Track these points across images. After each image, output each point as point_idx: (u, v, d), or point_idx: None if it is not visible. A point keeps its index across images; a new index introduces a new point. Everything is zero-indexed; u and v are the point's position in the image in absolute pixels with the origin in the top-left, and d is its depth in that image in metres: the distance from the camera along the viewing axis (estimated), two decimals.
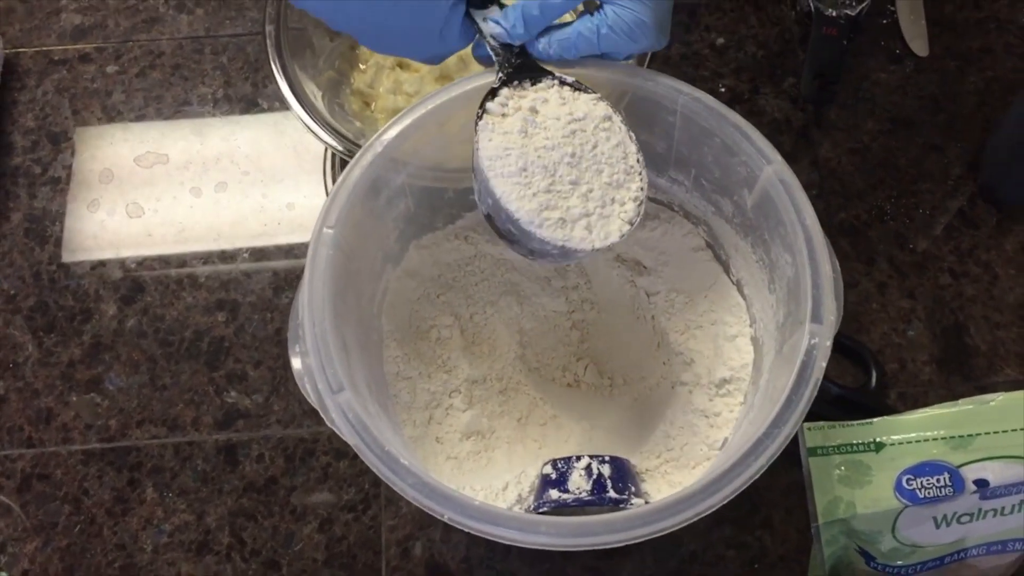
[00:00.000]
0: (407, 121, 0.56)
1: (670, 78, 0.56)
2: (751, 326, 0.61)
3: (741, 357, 0.60)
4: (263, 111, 0.78)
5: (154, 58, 0.80)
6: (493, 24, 0.54)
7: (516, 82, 0.54)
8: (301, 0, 0.55)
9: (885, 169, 0.74)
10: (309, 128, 0.67)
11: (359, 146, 0.66)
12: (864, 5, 0.75)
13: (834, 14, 0.75)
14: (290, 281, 0.72)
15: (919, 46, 0.74)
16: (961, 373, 0.68)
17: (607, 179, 0.52)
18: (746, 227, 0.58)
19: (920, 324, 0.69)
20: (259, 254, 0.73)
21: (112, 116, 0.78)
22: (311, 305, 0.51)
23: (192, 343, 0.71)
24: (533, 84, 0.54)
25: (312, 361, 0.50)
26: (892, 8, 0.79)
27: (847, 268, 0.71)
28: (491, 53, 0.54)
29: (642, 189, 0.52)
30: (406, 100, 0.74)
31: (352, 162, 0.55)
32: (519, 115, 0.53)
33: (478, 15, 0.54)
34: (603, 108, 0.53)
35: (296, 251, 0.73)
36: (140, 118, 0.78)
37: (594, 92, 0.53)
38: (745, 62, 0.78)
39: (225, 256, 0.73)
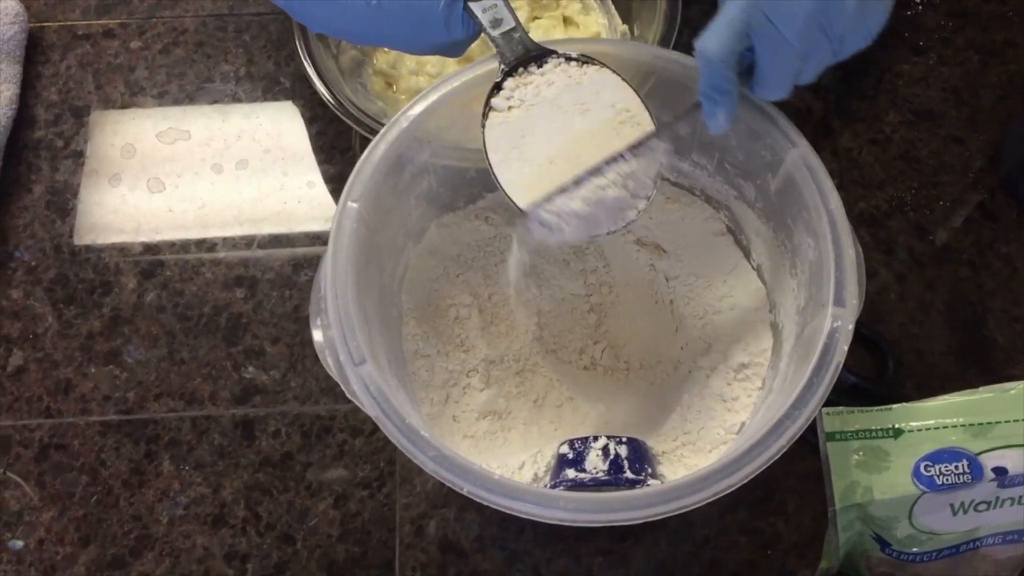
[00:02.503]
0: (432, 98, 0.56)
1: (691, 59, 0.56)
2: (771, 311, 0.61)
3: (760, 342, 0.60)
4: (285, 89, 0.78)
5: (177, 35, 0.81)
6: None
7: (521, 69, 0.54)
8: (320, 24, 0.56)
9: (906, 160, 0.74)
10: (331, 107, 0.67)
11: (381, 125, 0.66)
12: None
13: None
14: (309, 259, 0.73)
15: None
16: (979, 365, 0.68)
17: (618, 157, 0.51)
18: (768, 212, 0.58)
19: (939, 315, 0.69)
20: (278, 231, 0.73)
21: (135, 92, 0.79)
22: (334, 278, 0.52)
23: (211, 318, 0.71)
24: (539, 67, 0.54)
25: (334, 333, 0.50)
26: (917, 0, 0.79)
27: (867, 258, 0.70)
28: (492, 44, 0.54)
29: (659, 164, 0.51)
30: (428, 80, 0.74)
31: (377, 137, 0.55)
32: (524, 107, 0.53)
33: (476, 7, 0.54)
34: (612, 78, 0.53)
35: (315, 229, 0.73)
36: (162, 94, 0.79)
37: (599, 63, 0.53)
38: None
39: (244, 233, 0.73)
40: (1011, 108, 0.75)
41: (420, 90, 0.74)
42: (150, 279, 0.72)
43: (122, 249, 0.73)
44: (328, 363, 0.52)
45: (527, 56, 0.53)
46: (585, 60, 0.53)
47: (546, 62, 0.53)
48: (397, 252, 0.61)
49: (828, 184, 0.52)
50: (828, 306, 0.49)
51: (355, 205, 0.53)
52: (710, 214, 0.64)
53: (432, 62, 0.74)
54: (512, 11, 0.54)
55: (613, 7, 0.76)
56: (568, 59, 0.53)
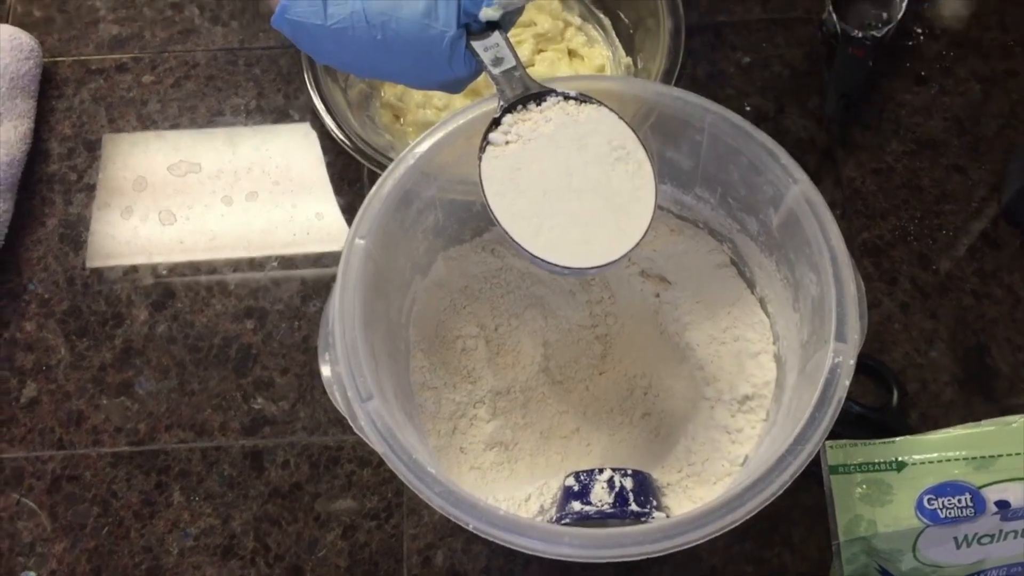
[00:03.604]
0: (439, 135, 0.57)
1: (697, 96, 0.57)
2: (774, 343, 0.61)
3: (764, 374, 0.61)
4: (294, 122, 0.80)
5: (189, 69, 0.82)
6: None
7: (520, 106, 0.55)
8: (325, 57, 0.57)
9: (909, 190, 0.75)
10: (339, 140, 0.69)
11: (388, 159, 0.68)
12: (890, 27, 0.76)
13: (860, 35, 0.76)
14: (318, 290, 0.73)
15: None
16: (983, 394, 0.68)
17: (614, 193, 0.52)
18: (771, 245, 0.59)
19: (942, 345, 0.70)
20: (288, 263, 0.74)
21: (147, 125, 0.80)
22: (342, 313, 0.52)
23: (221, 350, 0.72)
24: (538, 104, 0.55)
25: (342, 369, 0.51)
26: (918, 30, 0.80)
27: (870, 288, 0.71)
28: (492, 82, 0.55)
29: (651, 200, 0.52)
30: (436, 114, 0.75)
31: (385, 173, 0.56)
32: (521, 142, 0.54)
33: (478, 45, 0.55)
34: (609, 116, 0.54)
35: (324, 261, 0.74)
36: (174, 127, 0.80)
37: (598, 101, 0.54)
38: (771, 81, 0.79)
39: (254, 264, 0.74)
40: (1013, 137, 0.76)
41: (427, 123, 0.75)
42: (161, 311, 0.73)
43: (134, 281, 0.74)
44: (336, 398, 0.53)
45: (527, 94, 0.54)
46: (583, 99, 0.54)
47: (545, 100, 0.54)
48: (404, 286, 0.62)
49: (829, 220, 0.53)
50: (830, 342, 0.50)
51: (362, 242, 0.54)
52: (713, 246, 0.64)
53: (439, 95, 0.75)
54: (513, 50, 0.55)
55: (617, 40, 0.77)
56: (567, 97, 0.54)
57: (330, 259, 0.74)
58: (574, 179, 0.52)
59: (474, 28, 0.56)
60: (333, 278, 0.73)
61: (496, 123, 0.54)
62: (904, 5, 0.76)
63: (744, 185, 0.57)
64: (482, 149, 0.53)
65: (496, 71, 0.54)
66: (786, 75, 0.79)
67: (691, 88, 0.77)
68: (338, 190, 0.77)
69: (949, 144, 0.76)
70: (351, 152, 0.69)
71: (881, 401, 0.67)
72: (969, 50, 0.79)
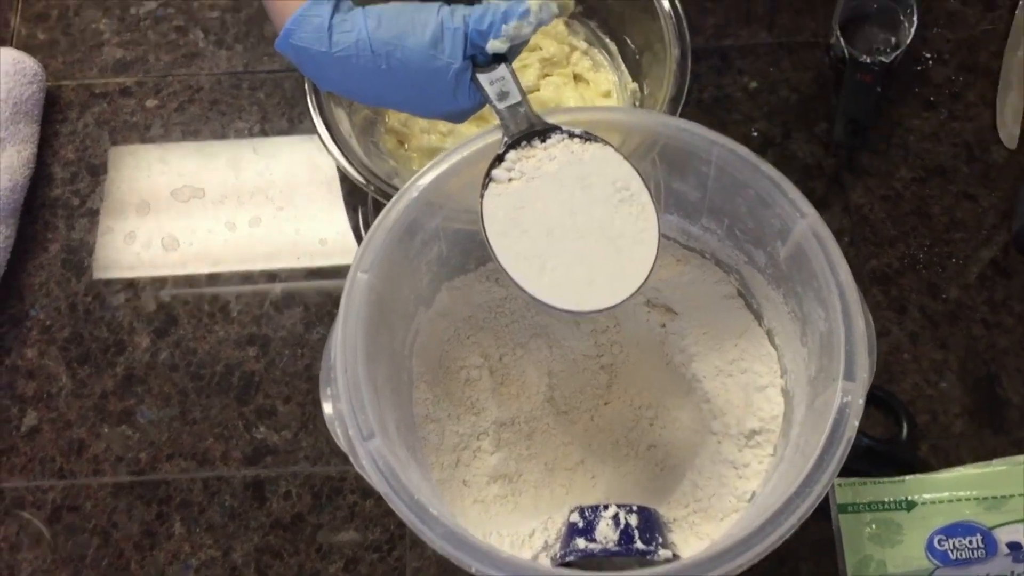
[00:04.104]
0: (443, 167, 0.56)
1: (704, 128, 0.56)
2: (782, 377, 0.60)
3: (771, 408, 0.60)
4: (298, 147, 0.79)
5: (193, 93, 0.82)
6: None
7: (524, 142, 0.54)
8: (329, 84, 0.57)
9: (918, 217, 0.74)
10: (342, 167, 0.68)
11: (392, 186, 0.67)
12: (899, 52, 0.75)
13: (868, 60, 0.75)
14: (321, 317, 0.73)
15: (1008, 137, 0.74)
16: (993, 426, 0.67)
17: (617, 235, 0.52)
18: (779, 278, 0.58)
19: (952, 375, 0.69)
20: (291, 290, 0.74)
21: (150, 149, 0.80)
22: (344, 349, 0.52)
23: (223, 377, 0.71)
24: (543, 141, 0.54)
25: (344, 407, 0.50)
26: (927, 55, 0.79)
27: (878, 317, 0.70)
28: (497, 117, 0.55)
29: (655, 243, 0.51)
30: (440, 139, 0.75)
31: (387, 207, 0.55)
32: (525, 179, 0.53)
33: (484, 78, 0.55)
34: (614, 156, 0.53)
35: (328, 287, 0.74)
36: (178, 152, 0.79)
37: (603, 141, 0.54)
38: (778, 106, 0.78)
39: (258, 291, 0.74)
40: (1023, 164, 0.75)
41: (431, 148, 0.75)
42: (163, 337, 0.73)
43: (136, 308, 0.74)
44: (338, 435, 0.52)
45: (531, 130, 0.54)
46: (588, 137, 0.54)
47: (549, 137, 0.54)
48: (408, 317, 0.61)
49: (838, 255, 0.52)
50: (839, 380, 0.49)
51: (365, 276, 0.53)
52: (720, 277, 0.64)
53: (443, 121, 0.75)
54: (519, 84, 0.55)
55: (623, 65, 0.77)
56: (571, 135, 0.54)
57: (333, 286, 0.74)
58: (577, 219, 0.52)
59: (480, 60, 0.55)
60: (336, 305, 0.72)
61: (499, 159, 0.53)
62: (913, 30, 0.76)
63: (751, 217, 0.57)
64: (484, 186, 0.53)
65: (501, 106, 0.54)
66: (793, 100, 0.79)
67: (698, 113, 0.78)
68: (342, 216, 0.77)
69: (958, 171, 0.75)
70: (354, 180, 0.68)
71: (890, 433, 0.66)
72: (978, 75, 0.78)
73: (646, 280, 0.51)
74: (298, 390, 0.71)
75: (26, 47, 0.83)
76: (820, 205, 0.74)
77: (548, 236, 0.52)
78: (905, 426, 0.66)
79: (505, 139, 0.54)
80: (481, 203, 0.53)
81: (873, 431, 0.66)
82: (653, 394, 0.66)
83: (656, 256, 0.51)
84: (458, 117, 0.59)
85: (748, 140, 0.77)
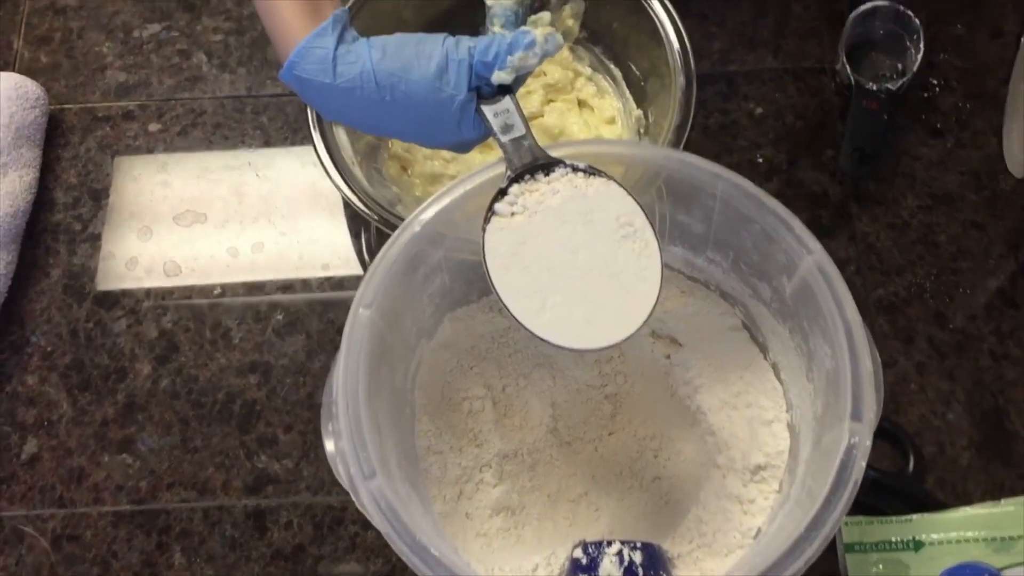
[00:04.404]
0: (446, 200, 0.56)
1: (708, 162, 0.55)
2: (788, 411, 0.60)
3: (777, 443, 0.59)
4: (301, 172, 0.79)
5: (196, 116, 0.81)
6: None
7: (528, 176, 0.54)
8: (333, 114, 0.57)
9: (924, 246, 0.73)
10: (345, 196, 0.68)
11: (394, 214, 0.67)
12: (905, 80, 0.75)
13: (875, 88, 0.75)
14: (323, 345, 0.72)
15: (1015, 165, 0.73)
16: (1001, 459, 0.66)
17: (620, 271, 0.51)
18: (784, 313, 0.57)
19: (959, 407, 0.68)
20: (293, 317, 0.73)
21: (153, 174, 0.79)
22: (345, 387, 0.51)
23: (224, 405, 0.71)
24: (546, 175, 0.54)
25: (345, 445, 0.50)
26: (934, 82, 0.79)
27: (885, 346, 0.70)
28: (500, 150, 0.54)
29: (657, 280, 0.51)
30: (443, 165, 0.75)
31: (389, 241, 0.55)
32: (527, 214, 0.53)
33: (488, 110, 0.54)
34: (617, 191, 0.53)
35: (330, 315, 0.73)
36: (180, 177, 0.79)
37: (606, 175, 0.53)
38: (783, 132, 0.78)
39: (259, 317, 0.74)
40: None
41: (435, 175, 0.75)
42: (164, 365, 0.72)
43: (137, 334, 0.73)
44: (339, 473, 0.51)
45: (534, 164, 0.53)
46: (592, 171, 0.53)
47: (553, 170, 0.53)
48: (410, 350, 0.60)
49: (844, 292, 0.51)
50: (845, 420, 0.49)
51: (367, 311, 0.53)
52: (725, 309, 0.63)
53: None
54: (523, 116, 0.54)
55: (628, 91, 0.76)
56: (575, 169, 0.53)
57: (336, 312, 0.73)
58: (579, 256, 0.51)
59: (485, 92, 0.55)
60: (339, 332, 0.72)
61: (502, 193, 0.53)
62: (920, 58, 0.75)
63: (757, 251, 0.56)
64: (487, 219, 0.52)
65: (505, 139, 0.53)
66: (799, 126, 0.78)
67: (703, 139, 0.77)
68: (345, 241, 0.76)
69: (966, 199, 0.75)
70: (356, 208, 0.68)
71: (897, 466, 0.66)
72: (986, 102, 0.78)
73: (647, 319, 0.50)
74: (300, 418, 0.70)
75: (29, 70, 0.83)
76: (826, 233, 0.74)
77: (550, 272, 0.51)
78: (912, 459, 0.65)
79: (508, 173, 0.53)
80: (483, 237, 0.52)
81: (879, 463, 0.66)
82: (657, 425, 0.65)
83: (658, 294, 0.51)
84: (462, 148, 0.59)
85: (753, 167, 0.77)
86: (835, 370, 0.51)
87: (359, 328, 0.53)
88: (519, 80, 0.56)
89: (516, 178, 0.53)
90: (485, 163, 0.73)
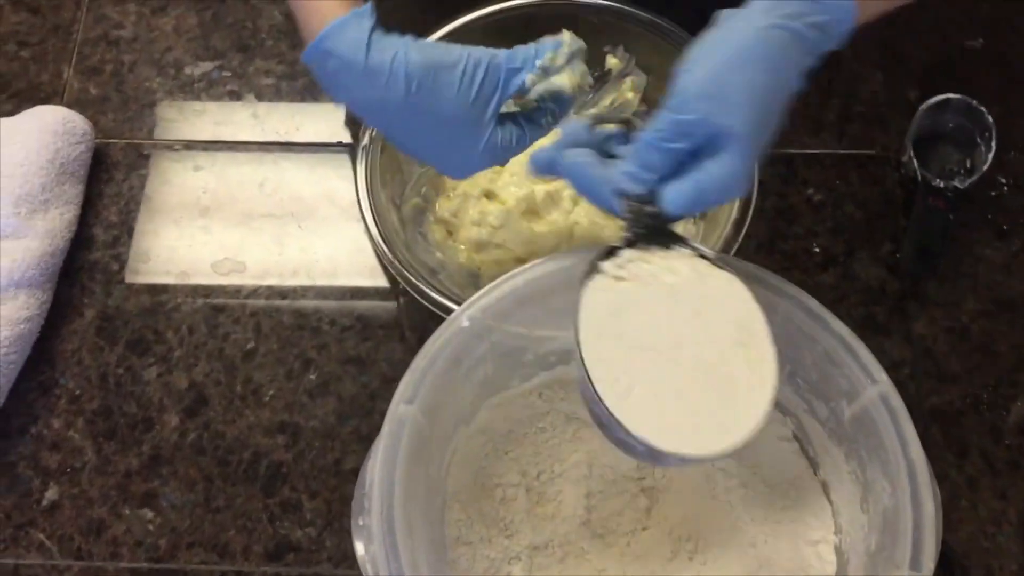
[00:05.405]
0: (495, 294, 0.54)
1: (776, 277, 0.53)
2: (836, 534, 0.57)
3: (823, 567, 0.57)
4: (344, 227, 0.77)
5: (241, 162, 0.80)
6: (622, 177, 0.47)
7: (643, 244, 0.48)
8: (346, 96, 0.56)
9: (983, 353, 0.71)
10: (387, 265, 0.66)
11: (433, 285, 0.64)
12: (974, 178, 0.72)
13: (942, 185, 0.72)
14: (355, 409, 0.71)
15: None
16: None
17: (726, 380, 0.46)
18: (841, 436, 0.55)
19: (1011, 528, 0.65)
20: (326, 377, 0.72)
21: (194, 217, 0.78)
22: (381, 485, 0.50)
23: (250, 465, 0.69)
24: (666, 249, 0.48)
25: (376, 550, 0.48)
26: (1003, 180, 0.76)
27: (936, 458, 0.67)
28: (616, 207, 0.48)
29: (765, 404, 0.45)
30: (490, 232, 0.73)
31: (434, 335, 0.53)
32: (637, 283, 0.48)
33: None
34: (743, 293, 0.47)
35: (364, 378, 0.72)
36: (222, 222, 0.78)
37: (733, 272, 0.48)
38: (842, 222, 0.75)
39: (292, 375, 0.72)
40: None
41: (481, 241, 0.73)
42: (193, 417, 0.71)
43: (167, 384, 0.72)
44: (368, 574, 0.50)
45: (655, 232, 0.48)
46: (719, 263, 0.48)
47: (672, 247, 0.48)
48: (447, 440, 0.59)
49: (910, 430, 0.49)
50: (903, 569, 0.46)
51: (409, 408, 0.51)
52: (776, 417, 0.61)
53: (495, 213, 0.73)
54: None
55: None
56: (700, 254, 0.48)
57: (371, 376, 0.71)
58: (684, 349, 0.46)
59: (512, 92, 0.54)
60: (371, 397, 0.71)
61: (612, 252, 0.48)
62: (991, 157, 0.72)
63: (816, 370, 0.54)
64: (588, 275, 0.47)
65: (630, 196, 0.47)
66: (859, 216, 0.76)
67: (759, 224, 0.75)
68: (383, 304, 0.74)
69: None
70: (398, 279, 0.66)
71: None
72: None
73: (747, 440, 0.45)
74: (326, 485, 0.68)
75: (77, 101, 0.82)
76: (881, 332, 0.71)
77: (645, 355, 0.46)
78: None
79: (627, 234, 0.48)
80: (580, 293, 0.47)
81: None
82: (695, 525, 0.63)
83: (764, 421, 0.45)
84: (468, 168, 0.58)
85: (809, 255, 0.74)
86: (894, 510, 0.49)
87: (399, 425, 0.51)
88: (567, 101, 0.55)
89: (631, 243, 0.48)
90: (533, 232, 0.73)
